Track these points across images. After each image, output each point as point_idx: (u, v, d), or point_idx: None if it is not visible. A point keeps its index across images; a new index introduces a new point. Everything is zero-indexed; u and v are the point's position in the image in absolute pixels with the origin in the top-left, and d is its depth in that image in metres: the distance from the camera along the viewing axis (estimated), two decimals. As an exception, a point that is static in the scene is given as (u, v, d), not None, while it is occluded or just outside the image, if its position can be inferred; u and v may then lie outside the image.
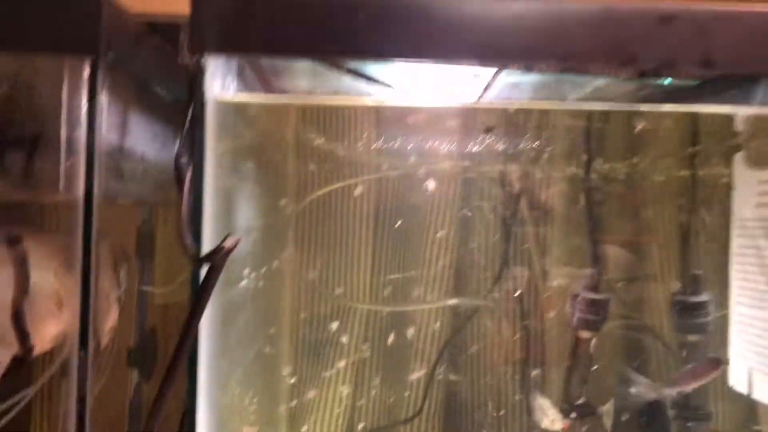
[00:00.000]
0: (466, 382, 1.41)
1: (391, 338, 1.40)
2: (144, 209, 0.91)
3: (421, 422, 1.44)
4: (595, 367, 1.26)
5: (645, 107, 1.02)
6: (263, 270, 1.17)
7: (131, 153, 0.84)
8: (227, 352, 0.90)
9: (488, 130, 1.12)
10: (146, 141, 0.89)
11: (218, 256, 0.58)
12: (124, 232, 0.87)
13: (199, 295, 0.62)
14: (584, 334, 1.18)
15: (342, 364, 1.40)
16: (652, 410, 1.19)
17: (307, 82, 0.98)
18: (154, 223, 0.93)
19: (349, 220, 1.37)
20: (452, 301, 1.38)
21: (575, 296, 1.18)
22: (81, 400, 0.69)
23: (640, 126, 1.06)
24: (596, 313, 1.16)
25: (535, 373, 1.36)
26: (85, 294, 0.68)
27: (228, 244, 0.58)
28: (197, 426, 0.70)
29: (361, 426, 1.41)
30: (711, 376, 1.14)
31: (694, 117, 1.17)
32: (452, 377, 1.42)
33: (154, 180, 0.92)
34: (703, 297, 1.17)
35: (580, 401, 1.20)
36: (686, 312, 1.18)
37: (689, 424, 1.18)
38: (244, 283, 0.99)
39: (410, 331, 1.40)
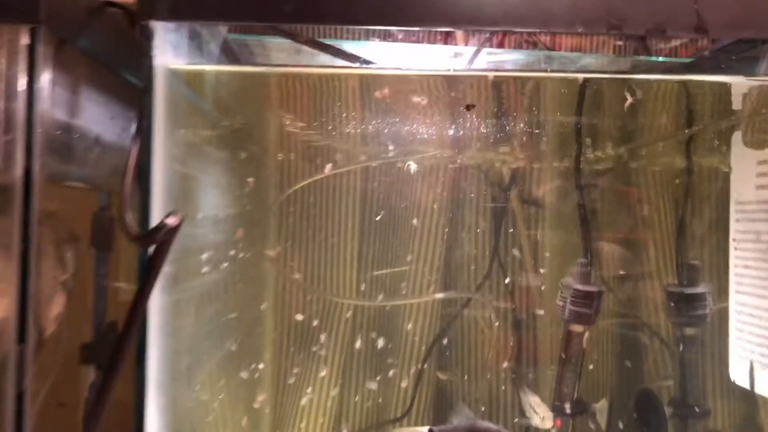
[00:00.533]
0: (456, 379, 1.36)
1: (374, 335, 1.35)
2: (101, 195, 0.85)
3: (410, 421, 1.39)
4: (591, 367, 1.21)
5: (637, 77, 0.96)
6: (227, 262, 1.10)
7: (84, 134, 0.78)
8: (190, 349, 0.85)
9: (469, 107, 1.06)
10: (103, 123, 0.83)
11: (159, 235, 0.52)
12: (75, 217, 0.81)
13: (146, 277, 0.57)
14: (577, 328, 1.12)
15: (325, 363, 1.34)
16: (647, 406, 1.14)
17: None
18: (112, 211, 0.87)
19: (334, 210, 1.32)
20: (440, 295, 1.33)
21: (566, 288, 1.12)
22: (19, 397, 0.63)
23: (630, 100, 0.99)
24: (589, 305, 1.10)
25: (525, 368, 1.30)
26: (24, 279, 0.62)
27: (170, 221, 0.52)
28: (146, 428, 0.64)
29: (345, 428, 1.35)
30: None
31: (690, 96, 1.11)
32: (441, 375, 1.37)
33: (112, 165, 0.86)
34: (701, 288, 1.11)
35: (572, 398, 1.13)
36: (683, 304, 1.12)
37: (687, 421, 1.12)
38: (204, 274, 0.93)
39: (396, 328, 1.35)
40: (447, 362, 1.37)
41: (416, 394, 1.37)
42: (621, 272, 1.28)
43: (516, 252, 1.29)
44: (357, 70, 0.89)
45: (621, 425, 1.17)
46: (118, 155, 0.85)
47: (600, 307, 1.12)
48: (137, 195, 0.64)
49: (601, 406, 1.13)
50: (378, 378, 1.37)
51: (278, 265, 1.29)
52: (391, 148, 1.23)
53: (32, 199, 0.64)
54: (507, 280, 1.27)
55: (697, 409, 1.12)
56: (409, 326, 1.35)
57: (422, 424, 1.39)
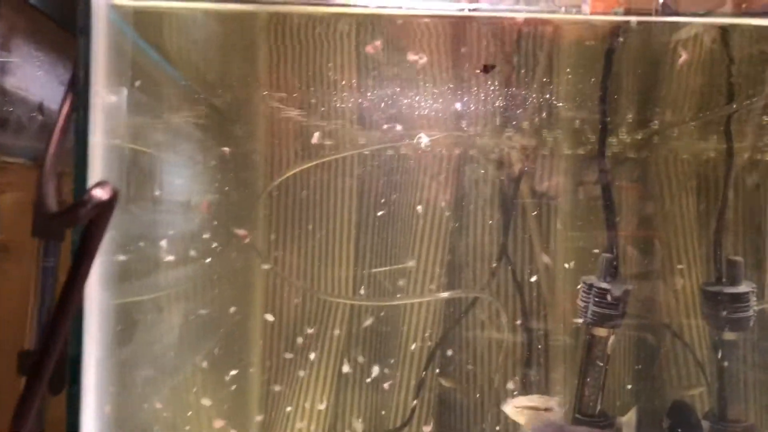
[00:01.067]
0: (460, 386, 1.24)
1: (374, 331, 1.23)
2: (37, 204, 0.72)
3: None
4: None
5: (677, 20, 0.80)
6: (199, 254, 0.97)
7: (21, 99, 0.65)
8: (151, 358, 0.71)
9: (487, 68, 0.92)
10: (48, 87, 0.70)
11: (83, 212, 0.39)
12: (13, 200, 0.68)
13: (75, 267, 0.44)
14: (600, 332, 0.99)
15: (318, 369, 1.22)
16: (682, 420, 1.01)
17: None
18: (63, 195, 0.74)
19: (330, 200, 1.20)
20: (444, 295, 1.20)
21: (588, 286, 0.98)
22: None
23: (684, 57, 0.85)
24: (615, 306, 0.97)
25: (537, 376, 1.18)
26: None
27: (99, 194, 0.39)
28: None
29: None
30: None
31: (729, 70, 0.96)
32: (445, 383, 1.25)
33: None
34: (743, 287, 0.98)
35: (595, 411, 1.00)
36: (722, 305, 0.99)
37: (727, 438, 0.99)
38: (168, 268, 0.79)
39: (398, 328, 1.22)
40: (450, 368, 1.25)
41: (418, 402, 1.25)
42: (640, 270, 1.17)
43: (546, 259, 1.17)
44: (352, 9, 0.75)
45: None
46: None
47: (626, 308, 0.98)
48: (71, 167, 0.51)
49: (628, 420, 0.99)
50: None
51: (263, 255, 1.16)
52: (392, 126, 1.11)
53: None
54: (534, 278, 1.15)
55: (738, 425, 0.99)
56: (409, 328, 1.23)
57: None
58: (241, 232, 1.08)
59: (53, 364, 0.49)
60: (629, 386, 1.17)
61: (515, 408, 1.04)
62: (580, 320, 0.99)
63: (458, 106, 1.06)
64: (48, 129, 0.70)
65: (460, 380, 1.24)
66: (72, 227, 0.45)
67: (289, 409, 1.19)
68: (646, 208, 1.19)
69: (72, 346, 0.52)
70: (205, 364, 1.00)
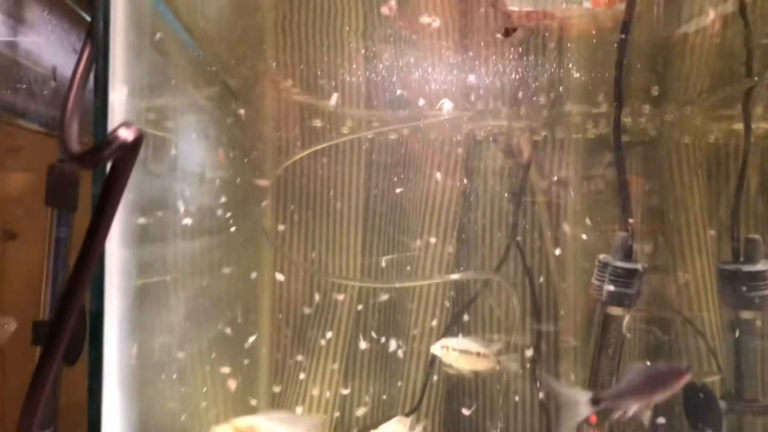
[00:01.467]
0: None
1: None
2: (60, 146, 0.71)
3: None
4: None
5: None
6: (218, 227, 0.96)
7: (34, 63, 0.64)
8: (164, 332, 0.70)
9: (508, 32, 0.91)
10: (61, 56, 0.69)
11: (108, 152, 0.38)
12: (25, 165, 0.67)
13: (97, 215, 0.42)
14: (615, 311, 0.97)
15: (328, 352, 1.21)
16: (698, 400, 0.99)
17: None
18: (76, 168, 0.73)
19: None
20: (454, 276, 1.19)
21: (603, 265, 0.97)
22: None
23: (711, 15, 0.83)
24: (630, 285, 0.96)
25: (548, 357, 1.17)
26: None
27: (124, 134, 0.38)
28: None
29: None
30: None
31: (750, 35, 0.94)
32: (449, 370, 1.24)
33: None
34: (761, 266, 0.97)
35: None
36: (739, 284, 0.98)
37: (745, 417, 0.98)
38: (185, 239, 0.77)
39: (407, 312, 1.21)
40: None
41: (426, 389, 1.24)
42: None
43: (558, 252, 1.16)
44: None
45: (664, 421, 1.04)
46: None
47: (642, 287, 0.97)
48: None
49: (644, 400, 0.98)
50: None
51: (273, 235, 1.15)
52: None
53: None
54: (558, 251, 1.13)
55: (756, 404, 0.97)
56: (417, 310, 1.22)
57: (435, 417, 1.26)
58: (262, 182, 1.09)
59: (70, 331, 0.48)
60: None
61: (443, 347, 1.03)
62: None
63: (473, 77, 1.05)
64: (61, 95, 0.69)
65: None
66: (95, 168, 0.43)
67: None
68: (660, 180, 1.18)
69: (93, 301, 0.50)
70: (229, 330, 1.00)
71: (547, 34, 1.05)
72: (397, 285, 1.20)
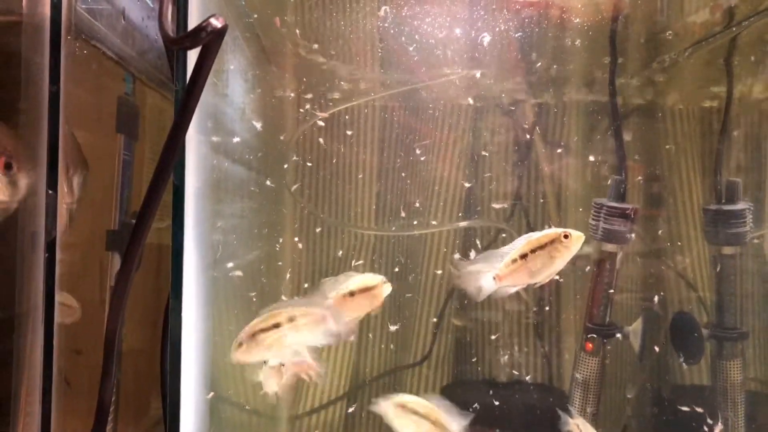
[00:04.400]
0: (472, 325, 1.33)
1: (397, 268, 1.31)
2: (127, 79, 0.81)
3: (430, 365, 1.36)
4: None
5: None
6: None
7: (108, 2, 0.74)
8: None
9: None
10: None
11: (202, 36, 0.47)
12: (102, 91, 0.77)
13: (189, 86, 0.50)
14: (609, 248, 1.08)
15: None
16: (683, 329, 1.10)
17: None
18: (137, 101, 0.83)
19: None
20: (464, 224, 1.29)
21: (599, 206, 1.08)
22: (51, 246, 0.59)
23: None
24: (623, 223, 1.06)
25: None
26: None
27: (215, 22, 0.48)
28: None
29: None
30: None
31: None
32: (456, 322, 1.33)
33: (138, 49, 0.82)
34: (740, 205, 1.07)
35: (604, 321, 1.10)
36: (720, 222, 1.08)
37: (724, 343, 1.09)
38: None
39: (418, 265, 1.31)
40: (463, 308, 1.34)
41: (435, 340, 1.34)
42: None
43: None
44: None
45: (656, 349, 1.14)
46: (143, 41, 0.81)
47: (634, 227, 1.08)
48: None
49: (634, 329, 1.09)
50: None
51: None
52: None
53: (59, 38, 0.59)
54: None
55: (734, 332, 1.08)
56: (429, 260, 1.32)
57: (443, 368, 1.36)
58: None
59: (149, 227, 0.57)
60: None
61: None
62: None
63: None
64: (129, 37, 0.80)
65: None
66: (191, 49, 0.51)
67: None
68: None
69: (177, 176, 0.60)
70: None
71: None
72: (407, 233, 1.30)
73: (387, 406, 0.87)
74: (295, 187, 1.28)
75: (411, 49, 1.18)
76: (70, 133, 0.63)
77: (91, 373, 0.65)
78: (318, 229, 1.30)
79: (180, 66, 0.59)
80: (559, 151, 1.28)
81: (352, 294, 0.81)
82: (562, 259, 0.83)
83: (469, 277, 0.86)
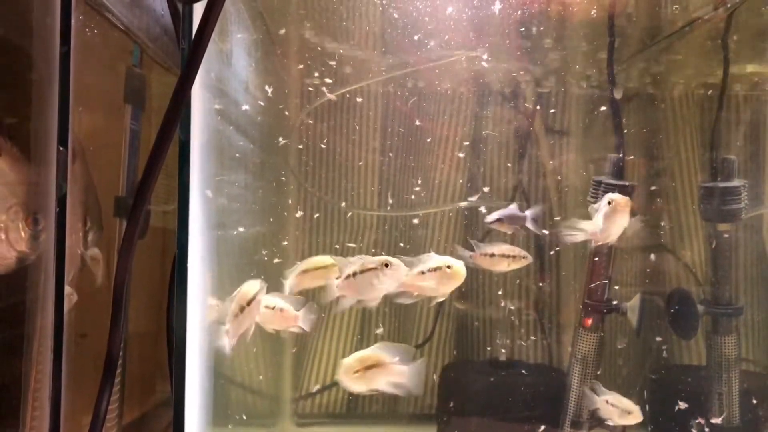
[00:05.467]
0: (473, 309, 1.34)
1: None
2: (134, 49, 0.83)
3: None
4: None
5: None
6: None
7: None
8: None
9: None
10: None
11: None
12: (112, 61, 0.79)
13: (197, 36, 0.52)
14: (607, 224, 1.09)
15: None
16: (680, 303, 1.12)
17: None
18: (144, 72, 0.85)
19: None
20: (464, 203, 1.31)
21: (597, 183, 1.10)
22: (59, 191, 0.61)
23: None
24: (621, 199, 1.08)
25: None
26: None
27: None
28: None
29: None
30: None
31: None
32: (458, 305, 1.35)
33: (145, 23, 0.84)
34: (735, 182, 1.09)
35: (603, 297, 1.11)
36: (716, 199, 1.10)
37: (720, 319, 1.10)
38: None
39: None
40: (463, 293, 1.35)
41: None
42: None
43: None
44: None
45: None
46: (151, 17, 0.83)
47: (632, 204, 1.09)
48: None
49: (632, 305, 1.11)
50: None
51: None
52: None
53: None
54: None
55: (729, 308, 1.10)
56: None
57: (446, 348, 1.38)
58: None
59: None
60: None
61: None
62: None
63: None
64: (137, 10, 0.82)
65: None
66: (197, 1, 0.53)
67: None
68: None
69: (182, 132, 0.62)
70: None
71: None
72: (410, 213, 1.32)
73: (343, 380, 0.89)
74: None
75: (413, 30, 1.19)
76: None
77: (96, 356, 0.67)
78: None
79: (186, 24, 0.61)
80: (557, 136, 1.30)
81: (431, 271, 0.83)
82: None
83: None
